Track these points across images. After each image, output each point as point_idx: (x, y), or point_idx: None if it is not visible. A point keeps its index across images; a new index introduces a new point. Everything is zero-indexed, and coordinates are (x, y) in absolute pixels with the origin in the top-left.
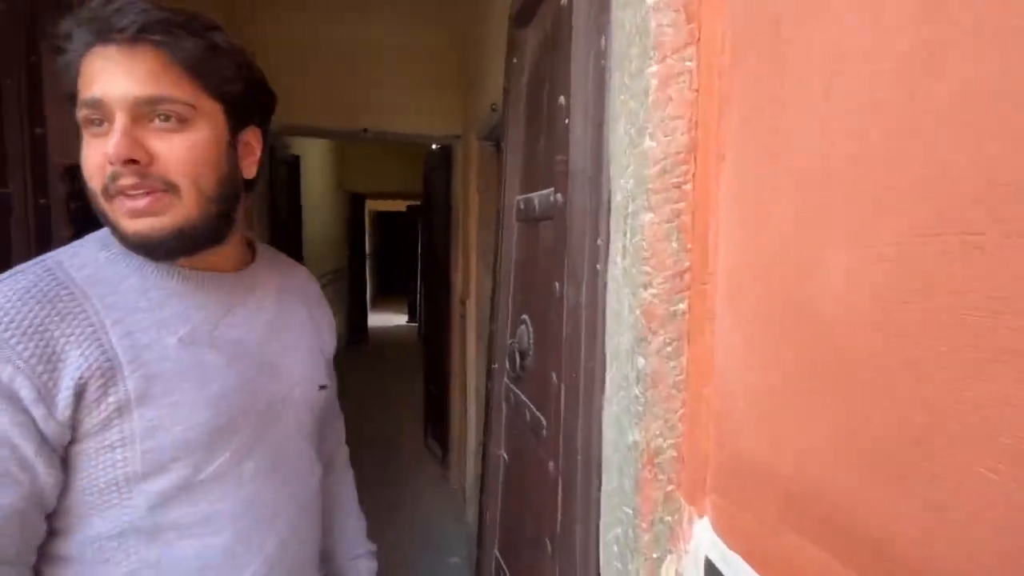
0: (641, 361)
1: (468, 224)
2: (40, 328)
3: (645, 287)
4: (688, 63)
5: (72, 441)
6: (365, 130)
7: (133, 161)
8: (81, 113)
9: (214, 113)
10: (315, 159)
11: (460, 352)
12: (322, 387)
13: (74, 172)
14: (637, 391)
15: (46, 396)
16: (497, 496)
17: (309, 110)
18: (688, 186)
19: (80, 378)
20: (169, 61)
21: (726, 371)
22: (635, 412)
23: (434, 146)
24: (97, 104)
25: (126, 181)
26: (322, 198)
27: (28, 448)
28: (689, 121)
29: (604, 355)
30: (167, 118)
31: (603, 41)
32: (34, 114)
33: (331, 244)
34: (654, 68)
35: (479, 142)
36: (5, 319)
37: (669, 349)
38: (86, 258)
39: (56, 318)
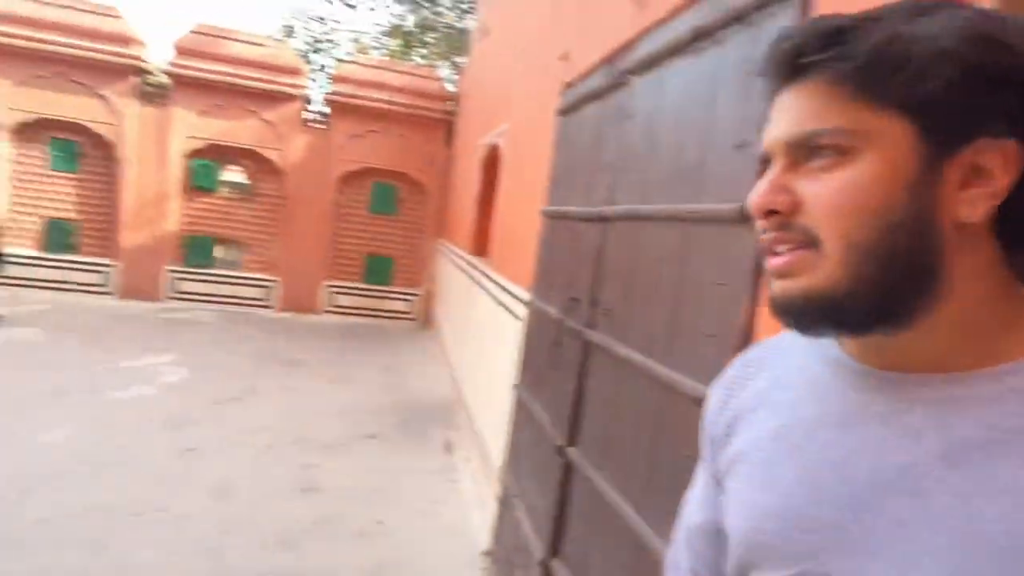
0: None
1: None
2: (730, 385)
3: None
4: None
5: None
6: None
7: (772, 212)
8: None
9: (895, 135)
10: None
11: None
12: None
13: None
14: None
15: (714, 441)
16: None
17: None
18: None
19: (721, 417)
20: (830, 83)
21: None
22: None
23: None
24: (764, 157)
25: (767, 236)
26: None
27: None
28: None
29: None
30: (823, 154)
31: None
32: None
33: None
34: None
35: None
36: (726, 374)
37: None
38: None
39: (741, 379)
